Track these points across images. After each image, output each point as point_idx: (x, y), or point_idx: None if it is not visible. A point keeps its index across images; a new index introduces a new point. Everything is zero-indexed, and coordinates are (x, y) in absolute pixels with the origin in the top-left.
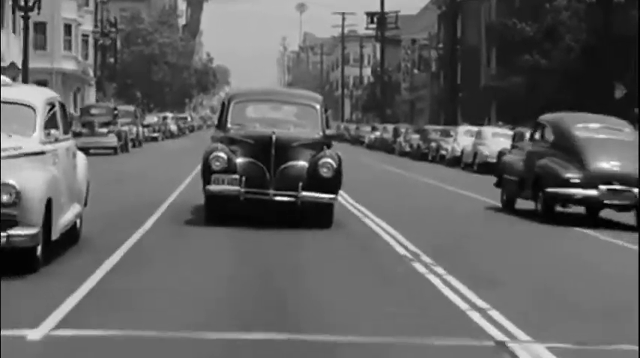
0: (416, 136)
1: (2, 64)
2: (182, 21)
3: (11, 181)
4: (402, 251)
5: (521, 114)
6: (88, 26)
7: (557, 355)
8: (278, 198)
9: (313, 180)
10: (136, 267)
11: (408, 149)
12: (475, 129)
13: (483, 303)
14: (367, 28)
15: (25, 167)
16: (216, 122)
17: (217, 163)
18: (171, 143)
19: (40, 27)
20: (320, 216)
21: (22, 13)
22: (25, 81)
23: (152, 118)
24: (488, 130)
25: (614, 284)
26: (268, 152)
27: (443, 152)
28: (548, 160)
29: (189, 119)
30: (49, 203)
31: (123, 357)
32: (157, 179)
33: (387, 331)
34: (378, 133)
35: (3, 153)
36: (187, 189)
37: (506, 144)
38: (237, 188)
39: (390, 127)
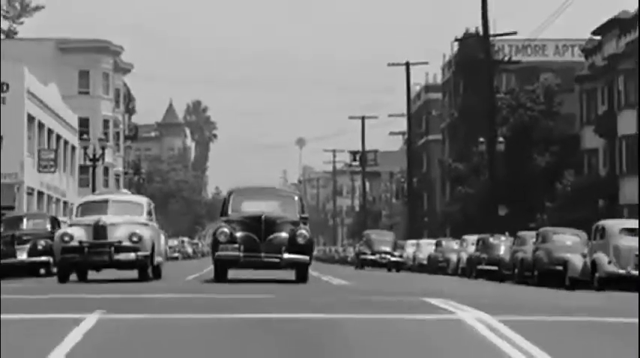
0: None
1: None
2: (190, 156)
3: (137, 231)
4: (325, 278)
5: (465, 231)
6: (119, 167)
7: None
8: (267, 260)
9: (293, 246)
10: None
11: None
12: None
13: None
14: (350, 165)
15: (140, 228)
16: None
17: (222, 237)
18: (188, 263)
19: (85, 169)
20: (298, 273)
21: (91, 163)
22: None
23: (173, 241)
24: (422, 242)
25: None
26: (259, 227)
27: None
28: (362, 247)
29: (200, 245)
30: (152, 244)
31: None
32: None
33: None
34: None
35: (130, 221)
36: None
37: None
38: (237, 253)
39: None
